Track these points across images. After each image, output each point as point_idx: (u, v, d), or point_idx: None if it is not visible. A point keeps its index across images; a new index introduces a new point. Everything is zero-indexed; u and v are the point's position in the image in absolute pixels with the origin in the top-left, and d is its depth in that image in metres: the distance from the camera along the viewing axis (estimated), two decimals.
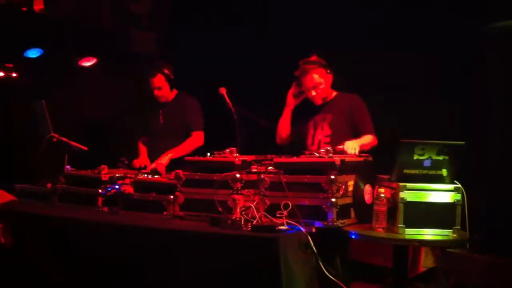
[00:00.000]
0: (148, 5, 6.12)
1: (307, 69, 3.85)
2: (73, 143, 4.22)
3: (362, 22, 4.77)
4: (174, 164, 4.13)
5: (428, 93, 4.53)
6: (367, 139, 3.70)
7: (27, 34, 5.58)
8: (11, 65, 5.57)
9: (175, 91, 4.60)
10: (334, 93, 3.96)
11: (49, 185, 4.01)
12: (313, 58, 3.89)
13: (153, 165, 4.18)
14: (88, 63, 5.60)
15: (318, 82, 3.84)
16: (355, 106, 3.87)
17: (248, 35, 5.32)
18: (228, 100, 3.67)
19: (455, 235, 2.97)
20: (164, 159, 4.22)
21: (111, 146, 5.10)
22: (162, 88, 4.48)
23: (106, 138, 5.00)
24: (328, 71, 3.86)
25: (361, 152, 3.48)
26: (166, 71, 4.46)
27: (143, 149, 4.65)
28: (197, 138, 4.46)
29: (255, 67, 5.22)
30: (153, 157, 4.43)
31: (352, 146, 3.45)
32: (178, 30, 5.80)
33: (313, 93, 3.86)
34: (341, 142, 3.51)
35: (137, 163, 4.44)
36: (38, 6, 5.74)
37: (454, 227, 2.97)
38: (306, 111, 3.96)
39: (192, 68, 5.42)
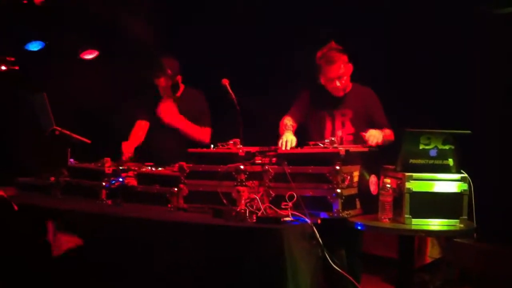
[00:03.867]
0: None
1: (333, 57, 3.61)
2: (75, 135, 4.19)
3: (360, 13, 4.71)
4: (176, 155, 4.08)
5: (431, 82, 4.50)
6: (387, 132, 3.60)
7: (28, 27, 5.56)
8: (12, 59, 5.55)
9: (182, 86, 4.50)
10: (349, 84, 3.78)
11: (52, 178, 3.99)
12: (334, 44, 3.68)
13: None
14: (90, 55, 5.56)
15: (344, 71, 3.64)
16: (371, 101, 3.73)
17: (249, 22, 5.26)
18: (230, 91, 3.62)
19: (462, 225, 2.95)
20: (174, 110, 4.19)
21: (115, 138, 5.07)
22: (164, 88, 4.38)
23: (109, 131, 4.96)
24: (349, 60, 3.67)
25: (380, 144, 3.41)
26: (170, 72, 4.33)
27: (137, 132, 4.47)
28: (204, 133, 4.37)
29: (257, 55, 5.17)
30: (159, 148, 4.31)
31: (374, 134, 3.37)
32: (177, 19, 5.75)
33: (338, 83, 3.65)
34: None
35: (125, 149, 4.21)
36: None
37: (461, 217, 2.95)
38: (321, 100, 3.79)
39: (192, 58, 5.38)
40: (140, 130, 4.50)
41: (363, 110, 3.71)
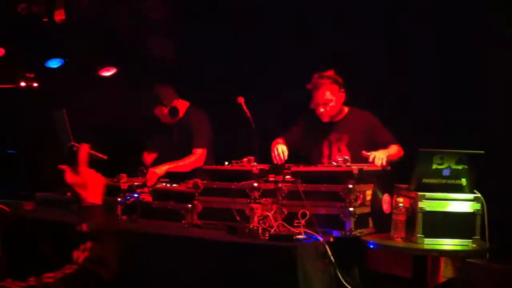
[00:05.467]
0: (165, 13, 6.18)
1: (319, 84, 3.76)
2: (92, 151, 4.25)
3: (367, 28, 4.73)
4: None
5: (443, 101, 4.49)
6: (394, 149, 3.66)
7: (48, 45, 5.67)
8: (32, 75, 5.65)
9: (185, 105, 4.50)
10: (346, 109, 3.89)
11: (69, 194, 4.05)
12: (329, 73, 3.80)
13: (148, 174, 4.01)
14: (108, 73, 5.65)
15: (329, 99, 3.76)
16: (371, 124, 3.80)
17: (267, 39, 5.31)
18: (246, 109, 3.67)
19: (474, 245, 2.95)
20: (160, 170, 4.06)
21: (131, 155, 5.14)
22: (163, 115, 4.43)
23: (126, 147, 5.02)
24: (342, 90, 3.79)
25: (390, 162, 3.45)
26: (165, 102, 4.38)
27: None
28: (197, 157, 4.27)
29: (273, 74, 5.21)
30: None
31: (379, 156, 3.40)
32: (194, 35, 5.82)
33: (321, 109, 3.78)
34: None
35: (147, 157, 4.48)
36: (59, 16, 5.83)
37: (473, 237, 2.95)
38: (317, 126, 3.88)
39: (209, 75, 5.43)
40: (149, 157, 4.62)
41: (361, 135, 3.78)
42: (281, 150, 3.58)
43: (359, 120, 3.85)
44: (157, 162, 4.47)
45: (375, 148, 3.60)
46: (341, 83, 3.79)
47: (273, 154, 3.59)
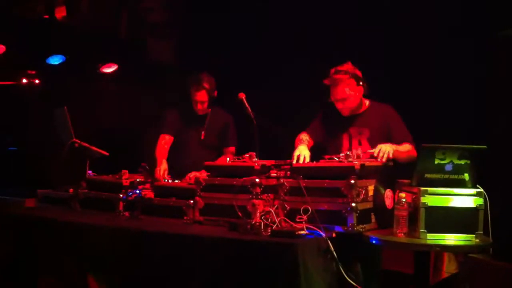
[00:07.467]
0: (164, 14, 6.19)
1: (337, 80, 3.65)
2: (94, 148, 4.25)
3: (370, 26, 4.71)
4: None
5: (446, 96, 4.48)
6: (406, 147, 3.55)
7: (49, 42, 5.67)
8: (33, 72, 5.66)
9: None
10: (367, 102, 3.78)
11: (70, 191, 4.05)
12: (346, 67, 3.69)
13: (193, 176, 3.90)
14: (109, 69, 5.65)
15: (348, 94, 3.66)
16: (390, 118, 3.71)
17: (265, 38, 5.30)
18: (247, 105, 3.66)
19: (477, 240, 2.93)
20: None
21: (132, 151, 5.14)
22: (204, 103, 4.41)
23: (127, 143, 5.01)
24: (361, 83, 3.67)
25: (395, 159, 3.39)
26: (208, 87, 4.36)
27: (162, 146, 4.45)
28: (231, 154, 4.32)
29: (274, 71, 5.19)
30: (185, 167, 4.21)
31: (384, 150, 3.34)
32: (194, 37, 5.82)
33: (341, 105, 3.71)
34: None
35: (159, 174, 4.11)
36: (60, 14, 5.83)
37: (476, 232, 2.94)
38: (337, 119, 3.80)
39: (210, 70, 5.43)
40: (165, 144, 4.48)
41: (382, 128, 3.69)
42: (303, 156, 3.42)
43: (379, 113, 3.75)
44: (175, 148, 4.46)
45: (392, 142, 3.52)
46: (359, 77, 3.68)
47: (294, 154, 3.44)
